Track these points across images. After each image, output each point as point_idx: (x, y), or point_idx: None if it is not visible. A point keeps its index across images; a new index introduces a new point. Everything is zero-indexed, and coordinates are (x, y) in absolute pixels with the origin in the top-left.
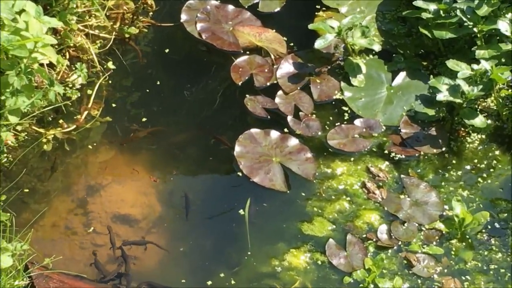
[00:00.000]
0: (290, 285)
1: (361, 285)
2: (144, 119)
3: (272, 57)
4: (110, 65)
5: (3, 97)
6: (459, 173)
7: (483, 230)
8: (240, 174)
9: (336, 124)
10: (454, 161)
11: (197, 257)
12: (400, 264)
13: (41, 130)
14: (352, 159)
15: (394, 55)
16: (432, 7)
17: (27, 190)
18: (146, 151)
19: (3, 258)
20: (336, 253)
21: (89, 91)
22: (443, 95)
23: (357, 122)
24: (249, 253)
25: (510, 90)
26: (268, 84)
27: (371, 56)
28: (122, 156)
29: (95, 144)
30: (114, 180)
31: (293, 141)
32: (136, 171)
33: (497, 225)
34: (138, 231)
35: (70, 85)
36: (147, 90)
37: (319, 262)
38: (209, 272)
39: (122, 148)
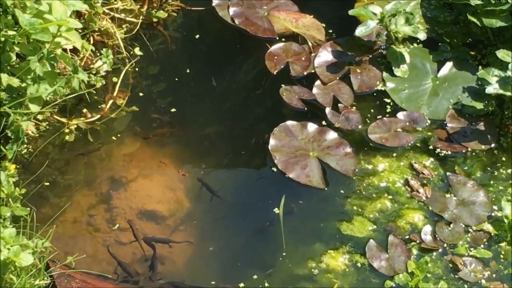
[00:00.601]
0: None
1: None
2: (172, 110)
3: (310, 44)
4: (137, 51)
5: (24, 84)
6: (509, 171)
7: None
8: (274, 169)
9: (378, 117)
10: (503, 158)
11: (228, 257)
12: (445, 268)
13: (64, 120)
14: (394, 154)
15: (440, 44)
16: None
17: (47, 184)
18: (174, 143)
19: (23, 256)
20: (377, 255)
21: (114, 79)
22: (492, 88)
23: (400, 115)
24: (283, 254)
25: None
26: (305, 73)
27: (415, 44)
28: (149, 148)
29: (120, 135)
30: (140, 173)
31: (332, 135)
32: (164, 163)
33: None
34: (165, 228)
35: (95, 72)
36: (176, 79)
37: (359, 265)
38: (241, 274)
39: (149, 139)
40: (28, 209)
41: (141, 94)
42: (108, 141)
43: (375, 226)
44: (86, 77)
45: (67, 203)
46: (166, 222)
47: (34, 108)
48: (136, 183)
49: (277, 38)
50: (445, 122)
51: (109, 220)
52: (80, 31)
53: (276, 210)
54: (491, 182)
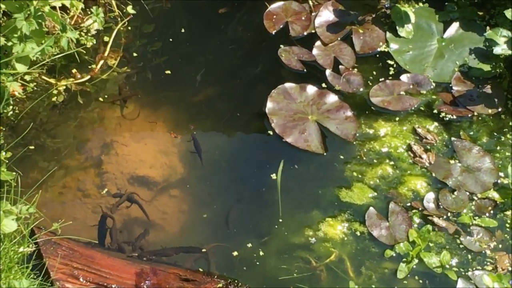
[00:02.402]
0: (325, 258)
1: (404, 259)
2: (167, 72)
3: (310, 3)
4: (130, 9)
5: (10, 43)
6: None
7: None
8: (271, 133)
9: (380, 79)
10: (511, 123)
11: (222, 224)
12: (448, 237)
13: (52, 81)
14: (397, 119)
15: (446, 3)
16: None
17: (32, 147)
18: (168, 105)
19: (6, 222)
20: (377, 223)
21: (106, 38)
22: (500, 49)
23: (404, 77)
24: (280, 221)
25: None
26: (305, 33)
27: (420, 4)
28: (141, 111)
29: (111, 97)
30: (132, 137)
31: (332, 98)
32: (154, 122)
33: None
34: (157, 194)
35: (85, 31)
36: (170, 39)
37: (358, 233)
38: (235, 242)
39: (142, 102)
40: (14, 173)
41: (135, 54)
42: (98, 103)
43: (375, 193)
44: (76, 36)
45: (55, 167)
46: (158, 188)
47: (20, 68)
48: (128, 147)
49: None
50: (450, 85)
51: (99, 185)
52: None
53: (273, 175)
54: (498, 148)
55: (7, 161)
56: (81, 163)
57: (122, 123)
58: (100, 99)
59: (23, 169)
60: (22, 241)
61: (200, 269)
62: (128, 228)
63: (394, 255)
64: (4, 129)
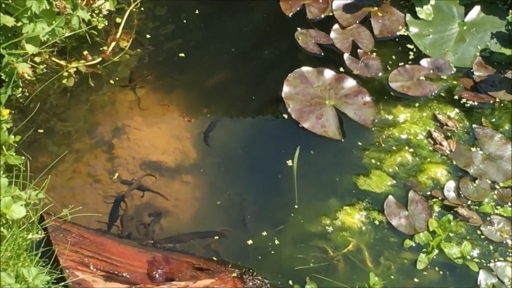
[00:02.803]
0: (342, 247)
1: (424, 249)
2: (181, 54)
3: None
4: None
5: (19, 23)
6: None
7: None
8: (288, 118)
9: (400, 64)
10: None
11: (236, 212)
12: (469, 227)
13: (62, 62)
14: (416, 104)
15: None
16: None
17: (41, 131)
18: (181, 89)
19: (15, 208)
20: (396, 212)
21: (118, 20)
22: None
23: (424, 62)
24: (296, 209)
25: None
26: (322, 16)
27: None
28: (154, 94)
29: (123, 80)
30: (144, 121)
31: (350, 82)
32: (166, 105)
33: None
34: (170, 181)
35: (97, 12)
36: (184, 21)
37: (376, 222)
38: (249, 230)
39: (154, 85)
40: (23, 157)
41: (148, 36)
42: (110, 86)
43: (394, 181)
44: (87, 16)
45: (65, 151)
46: (171, 174)
47: (30, 48)
48: (140, 131)
49: None
50: (471, 70)
51: (111, 170)
52: None
53: (289, 162)
54: None
55: (15, 145)
56: (91, 147)
57: (134, 106)
58: (112, 81)
59: (32, 153)
60: (31, 228)
61: (214, 258)
62: (139, 214)
63: (413, 245)
64: (13, 111)
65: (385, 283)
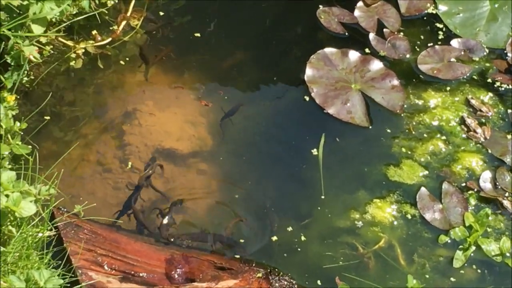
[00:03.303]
0: (373, 244)
1: (460, 246)
2: (197, 34)
3: None
4: None
5: (25, 3)
6: None
7: None
8: (311, 102)
9: (429, 44)
10: None
11: (257, 205)
12: (508, 222)
13: (70, 43)
14: (448, 88)
15: None
16: None
17: (47, 117)
18: (196, 70)
19: (24, 205)
20: (429, 205)
21: None
22: None
23: (454, 43)
24: (322, 202)
25: None
26: None
27: None
28: (166, 76)
29: (134, 62)
30: (156, 106)
31: (376, 65)
32: (180, 87)
33: None
34: (184, 170)
35: None
36: None
37: (409, 216)
38: (273, 225)
39: (166, 66)
40: (30, 147)
41: (161, 13)
42: (120, 68)
43: (426, 172)
44: None
45: (73, 139)
46: (186, 162)
47: (37, 29)
48: (152, 117)
49: None
50: (505, 51)
51: (122, 159)
52: None
53: (314, 151)
54: None
55: (21, 133)
56: (101, 134)
57: (146, 89)
58: (122, 62)
59: (38, 141)
60: (40, 225)
61: (237, 256)
62: (152, 206)
63: (449, 241)
64: (18, 96)
65: (421, 284)
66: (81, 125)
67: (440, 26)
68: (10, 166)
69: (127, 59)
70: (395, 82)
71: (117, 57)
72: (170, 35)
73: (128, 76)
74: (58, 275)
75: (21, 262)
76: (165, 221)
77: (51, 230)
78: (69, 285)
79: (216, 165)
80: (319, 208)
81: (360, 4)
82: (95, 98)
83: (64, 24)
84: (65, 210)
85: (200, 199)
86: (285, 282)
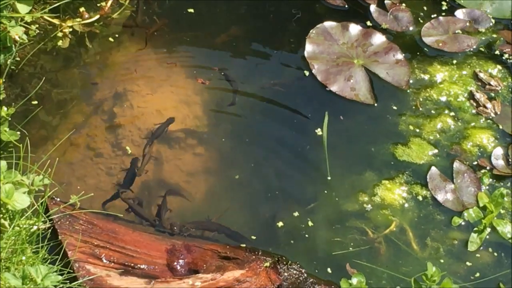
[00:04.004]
0: (383, 228)
1: (475, 228)
2: (190, 10)
3: None
4: None
5: None
6: None
7: None
8: (312, 79)
9: (432, 16)
10: None
11: (259, 189)
12: None
13: (56, 22)
14: (454, 61)
15: None
16: None
17: (35, 102)
18: (189, 47)
19: (17, 197)
20: (441, 185)
21: None
22: None
23: (459, 13)
24: (328, 184)
25: None
26: None
27: None
28: (156, 55)
29: (123, 39)
30: (148, 85)
31: (379, 38)
32: (173, 64)
33: None
34: (179, 153)
35: None
36: None
37: (420, 198)
38: (278, 210)
39: (157, 43)
40: (19, 133)
41: None
42: (108, 46)
43: (436, 150)
44: None
45: (61, 122)
46: (181, 145)
47: (22, 9)
48: (143, 97)
49: None
50: None
51: (114, 143)
52: None
53: (317, 131)
54: None
55: (9, 118)
56: (90, 116)
57: (137, 68)
58: (111, 40)
59: (25, 126)
60: (34, 217)
61: (242, 245)
62: (148, 193)
63: (462, 223)
64: (3, 80)
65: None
66: (69, 108)
67: None
68: None
69: (116, 36)
70: (399, 56)
71: (106, 35)
72: (162, 11)
73: (117, 55)
74: (56, 271)
75: (16, 258)
76: (163, 213)
77: (45, 222)
78: (67, 281)
79: (213, 147)
80: (325, 191)
81: None
82: (84, 79)
83: (52, 4)
84: (58, 200)
85: (197, 182)
86: (294, 271)
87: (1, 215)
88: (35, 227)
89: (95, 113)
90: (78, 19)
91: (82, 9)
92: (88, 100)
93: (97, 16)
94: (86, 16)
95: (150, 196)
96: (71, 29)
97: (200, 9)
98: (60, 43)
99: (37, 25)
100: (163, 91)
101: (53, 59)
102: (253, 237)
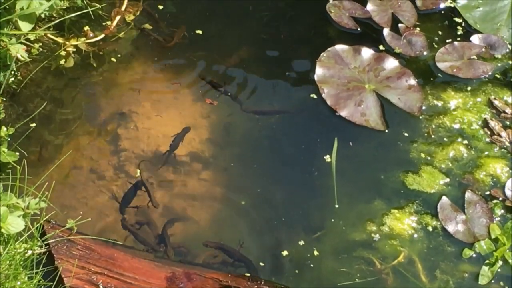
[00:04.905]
0: (392, 258)
1: (486, 261)
2: (198, 31)
3: None
4: None
5: None
6: None
7: None
8: (322, 104)
9: (447, 41)
10: None
11: (265, 216)
12: None
13: (60, 40)
14: (468, 88)
15: None
16: None
17: (35, 123)
18: (197, 68)
19: (12, 220)
20: (451, 216)
21: None
22: None
23: (474, 38)
24: (336, 207)
25: None
26: None
27: None
28: (163, 74)
29: (128, 59)
30: (153, 107)
31: (392, 63)
32: (177, 83)
33: None
34: (184, 177)
35: None
36: None
37: (430, 228)
38: (283, 238)
39: (163, 65)
40: (18, 154)
41: (160, 7)
42: (114, 66)
43: (448, 179)
44: None
45: (64, 143)
46: (185, 169)
47: (25, 27)
48: (148, 119)
49: None
50: None
51: (116, 166)
52: None
53: (326, 157)
54: None
55: (8, 139)
56: (94, 138)
57: (142, 89)
58: (115, 60)
59: (26, 147)
60: (29, 241)
61: (246, 274)
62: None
63: (473, 255)
64: (4, 98)
65: None
66: (72, 129)
67: (459, 20)
68: None
69: (120, 56)
70: (412, 81)
71: (111, 55)
72: (169, 32)
73: (122, 75)
74: None
75: (9, 283)
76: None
77: (41, 247)
78: None
79: (219, 172)
80: (332, 219)
81: None
82: (88, 100)
83: (55, 22)
84: (56, 223)
85: (201, 208)
86: None
87: None
88: (30, 252)
89: (98, 134)
90: (83, 38)
91: (86, 28)
92: (92, 121)
93: (102, 35)
94: (91, 35)
95: (152, 221)
96: (75, 49)
97: (208, 30)
98: (63, 62)
99: (41, 43)
100: (169, 113)
101: (56, 78)
102: (256, 266)
